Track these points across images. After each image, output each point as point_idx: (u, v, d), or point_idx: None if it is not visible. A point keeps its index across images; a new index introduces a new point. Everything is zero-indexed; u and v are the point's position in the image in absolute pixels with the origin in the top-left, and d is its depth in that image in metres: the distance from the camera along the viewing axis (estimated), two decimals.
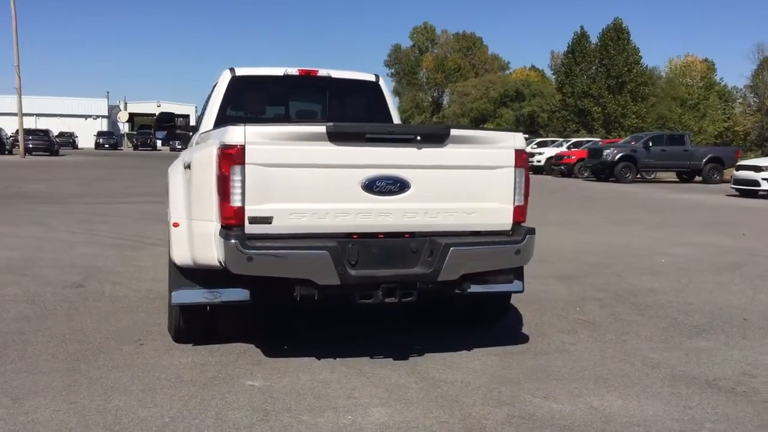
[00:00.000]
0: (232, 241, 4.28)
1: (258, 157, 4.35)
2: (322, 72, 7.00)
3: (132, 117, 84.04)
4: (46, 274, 7.75)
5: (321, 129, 4.41)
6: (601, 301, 6.95)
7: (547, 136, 51.80)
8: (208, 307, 5.14)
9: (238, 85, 6.84)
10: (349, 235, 4.55)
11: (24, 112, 44.79)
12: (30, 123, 59.85)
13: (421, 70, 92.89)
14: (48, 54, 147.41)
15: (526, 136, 41.43)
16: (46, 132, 50.36)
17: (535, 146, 38.67)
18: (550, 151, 36.39)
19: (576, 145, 36.76)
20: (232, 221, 4.37)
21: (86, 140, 68.26)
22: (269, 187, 4.39)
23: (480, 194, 4.74)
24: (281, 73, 6.92)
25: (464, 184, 4.71)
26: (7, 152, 48.10)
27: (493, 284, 5.14)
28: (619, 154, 29.89)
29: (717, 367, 4.98)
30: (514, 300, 6.57)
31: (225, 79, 6.80)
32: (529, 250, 4.80)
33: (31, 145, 46.85)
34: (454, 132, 4.63)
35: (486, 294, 5.31)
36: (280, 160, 4.39)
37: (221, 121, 6.60)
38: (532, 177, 23.78)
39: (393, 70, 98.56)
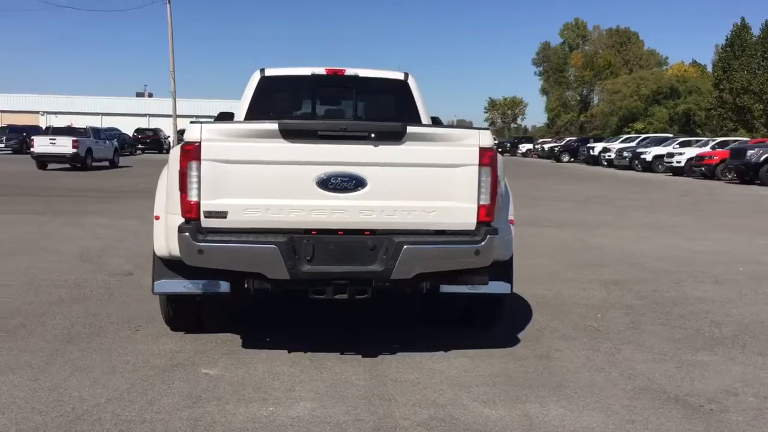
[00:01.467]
0: (185, 233, 4.48)
1: (214, 154, 4.51)
2: (350, 71, 7.07)
3: None
4: (109, 262, 8.36)
5: (273, 126, 4.51)
6: (632, 309, 6.58)
7: (703, 136, 48.89)
8: (199, 298, 5.38)
9: (266, 84, 7.05)
10: (307, 231, 4.61)
11: (182, 113, 48.01)
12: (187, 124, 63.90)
13: (569, 67, 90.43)
14: (209, 59, 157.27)
15: (670, 135, 39.27)
16: None
17: (677, 146, 36.61)
18: (691, 152, 34.29)
19: (721, 144, 34.43)
20: (190, 215, 4.56)
21: None
22: (224, 183, 4.53)
23: (441, 193, 4.64)
24: (309, 73, 7.07)
25: (424, 182, 4.63)
26: (165, 151, 51.71)
27: (469, 285, 5.06)
28: (765, 155, 27.72)
29: (703, 382, 4.62)
30: (533, 302, 6.44)
31: (255, 79, 7.04)
32: (490, 251, 4.63)
33: None
34: (411, 129, 4.58)
35: (470, 295, 5.23)
36: (235, 156, 4.53)
37: (252, 116, 6.87)
38: (671, 179, 22.73)
39: (541, 69, 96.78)
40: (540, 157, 57.67)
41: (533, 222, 13.14)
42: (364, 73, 7.10)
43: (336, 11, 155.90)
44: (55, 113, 68.83)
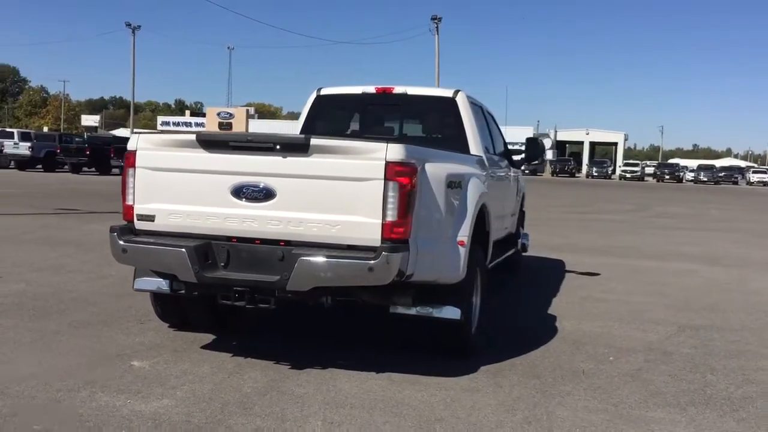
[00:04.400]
0: (113, 233, 4.90)
1: (146, 162, 4.89)
2: (398, 89, 7.09)
3: (561, 144, 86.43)
4: None
5: (191, 137, 4.77)
6: (666, 355, 5.73)
7: None
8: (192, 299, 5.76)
9: (320, 103, 7.34)
10: (229, 238, 4.79)
11: None
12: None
13: None
14: (488, 84, 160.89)
15: None
16: None
17: None
18: None
19: None
20: (128, 217, 4.98)
21: None
22: (154, 189, 4.89)
23: (346, 207, 4.53)
24: (359, 92, 7.21)
25: (330, 196, 4.56)
26: None
27: (395, 305, 4.92)
28: None
29: None
30: (560, 337, 6.14)
31: (311, 97, 7.38)
32: (387, 269, 4.39)
33: None
34: (314, 141, 4.55)
35: (417, 318, 5.04)
36: (163, 164, 4.86)
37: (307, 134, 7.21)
38: None
39: None
40: None
41: (709, 259, 11.75)
42: (412, 91, 7.09)
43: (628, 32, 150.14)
44: None
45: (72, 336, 5.63)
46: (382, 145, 4.49)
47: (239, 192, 4.69)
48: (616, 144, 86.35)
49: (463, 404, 4.43)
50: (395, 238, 4.49)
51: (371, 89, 7.18)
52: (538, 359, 5.47)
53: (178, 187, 4.85)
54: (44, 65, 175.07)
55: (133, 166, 4.92)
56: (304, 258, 4.48)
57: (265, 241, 4.71)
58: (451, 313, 5.00)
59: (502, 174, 7.70)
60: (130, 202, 4.95)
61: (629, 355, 5.70)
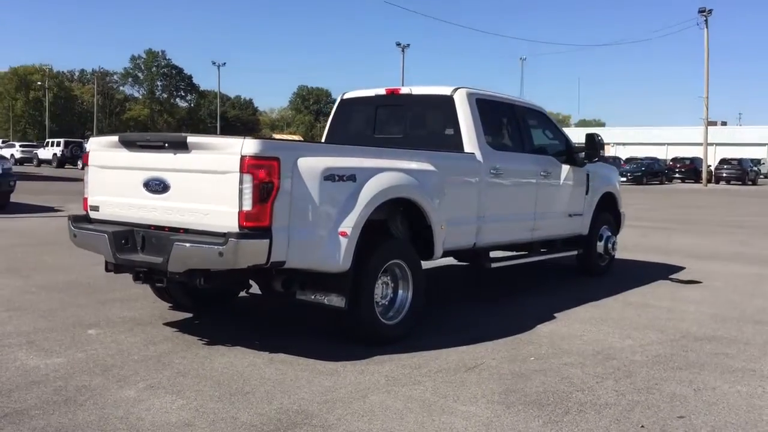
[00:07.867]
0: (69, 221, 5.84)
1: (95, 160, 5.79)
2: (404, 90, 7.30)
3: None
4: None
5: (115, 138, 5.55)
6: (600, 361, 5.31)
7: None
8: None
9: (343, 106, 7.79)
10: (149, 226, 5.48)
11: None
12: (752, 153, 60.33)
13: None
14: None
15: None
16: (739, 161, 50.19)
17: None
18: None
19: None
20: (84, 208, 5.91)
21: None
22: (99, 184, 5.77)
23: (215, 198, 4.98)
24: (372, 94, 7.52)
25: (204, 188, 5.05)
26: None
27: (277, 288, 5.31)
28: None
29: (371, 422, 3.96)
30: (526, 336, 5.93)
31: (338, 101, 7.85)
32: (235, 254, 4.75)
33: (724, 174, 48.38)
34: (190, 139, 5.07)
35: (310, 303, 5.37)
36: (103, 162, 5.72)
37: (329, 137, 7.77)
38: None
39: None
40: None
41: None
42: (417, 90, 7.27)
43: None
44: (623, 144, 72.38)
45: (81, 308, 6.66)
46: (239, 141, 4.88)
47: (147, 185, 5.37)
48: None
49: (297, 383, 4.65)
50: (253, 226, 4.84)
51: (382, 91, 7.45)
52: (449, 354, 5.39)
53: (111, 182, 5.66)
54: (347, 83, 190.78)
55: (87, 164, 5.84)
56: (177, 243, 5.02)
57: (172, 229, 5.31)
58: (336, 301, 5.20)
59: (527, 172, 7.47)
60: (86, 195, 5.88)
61: (559, 358, 5.37)
